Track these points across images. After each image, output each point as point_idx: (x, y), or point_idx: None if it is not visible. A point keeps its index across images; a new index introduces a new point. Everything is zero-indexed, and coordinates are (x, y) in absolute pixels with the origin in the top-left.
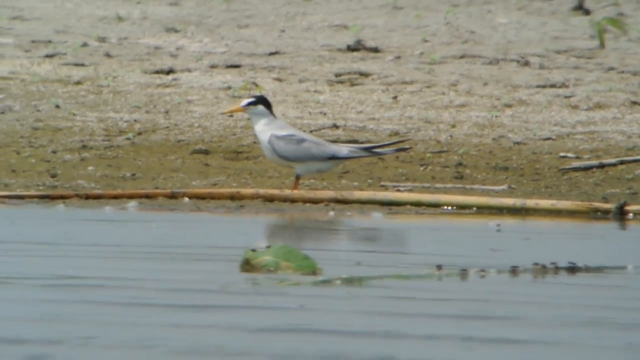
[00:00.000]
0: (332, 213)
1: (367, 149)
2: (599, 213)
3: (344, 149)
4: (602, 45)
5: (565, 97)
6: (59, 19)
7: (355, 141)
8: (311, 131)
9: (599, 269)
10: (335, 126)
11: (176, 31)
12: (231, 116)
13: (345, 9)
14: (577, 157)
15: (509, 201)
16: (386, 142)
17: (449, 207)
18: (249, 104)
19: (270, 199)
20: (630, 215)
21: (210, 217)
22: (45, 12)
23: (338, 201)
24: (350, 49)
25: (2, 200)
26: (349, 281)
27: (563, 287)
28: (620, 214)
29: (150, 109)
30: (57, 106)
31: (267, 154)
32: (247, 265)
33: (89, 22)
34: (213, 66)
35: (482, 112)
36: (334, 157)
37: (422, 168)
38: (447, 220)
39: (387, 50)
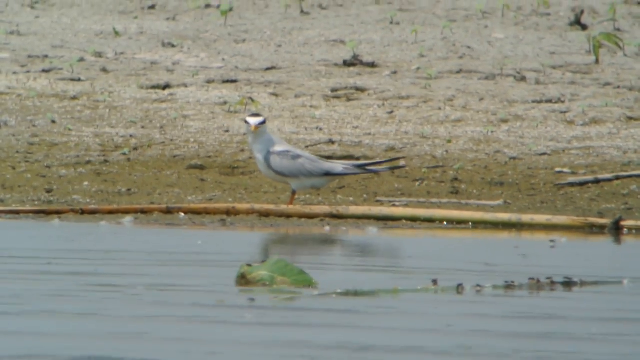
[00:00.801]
0: (327, 228)
1: (361, 166)
2: (594, 228)
3: (338, 166)
4: (597, 60)
5: (561, 112)
6: (56, 34)
7: (351, 156)
8: (307, 146)
9: (594, 284)
10: (331, 141)
11: (173, 46)
12: (227, 131)
13: (342, 24)
14: (573, 173)
15: (504, 216)
16: (381, 160)
17: (445, 222)
18: (261, 123)
19: (265, 214)
20: (626, 230)
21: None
22: (42, 27)
23: (334, 216)
24: (347, 64)
25: None
26: (345, 295)
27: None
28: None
29: (146, 124)
30: (53, 121)
31: (263, 170)
32: (243, 280)
33: (85, 37)
34: (209, 81)
35: (478, 127)
36: (328, 174)
37: (417, 183)
38: (441, 234)
39: (384, 66)
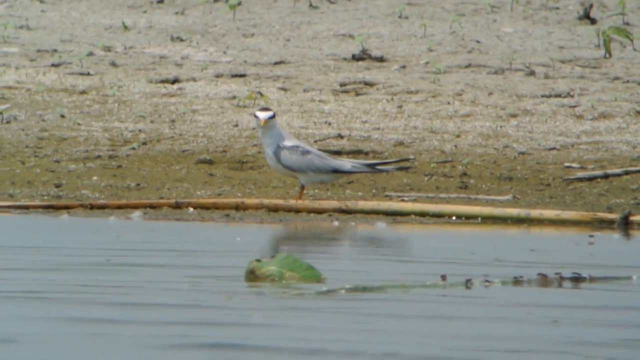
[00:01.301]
0: (336, 223)
1: (369, 165)
2: (603, 223)
3: (347, 164)
4: (608, 54)
5: (570, 106)
6: (65, 28)
7: (359, 151)
8: (315, 141)
9: (603, 279)
10: (340, 136)
11: (181, 40)
12: (236, 126)
13: (351, 18)
14: (582, 167)
15: (513, 211)
16: (390, 160)
17: (454, 218)
18: (270, 117)
19: (274, 209)
20: (635, 225)
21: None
22: (51, 22)
23: (342, 211)
24: (356, 58)
25: (6, 210)
26: (353, 291)
27: None
28: (625, 224)
29: (155, 118)
30: (62, 116)
31: (272, 164)
32: (252, 275)
33: (94, 31)
34: (218, 75)
35: (486, 122)
36: (336, 171)
37: (426, 178)
38: (451, 229)
39: (393, 60)
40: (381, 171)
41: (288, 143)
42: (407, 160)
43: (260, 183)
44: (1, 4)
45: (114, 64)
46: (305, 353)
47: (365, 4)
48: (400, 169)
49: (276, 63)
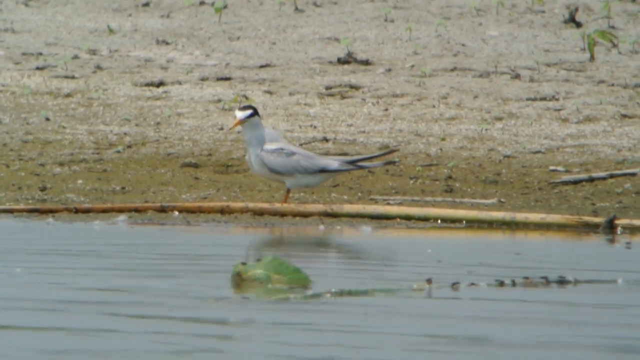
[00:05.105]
0: (322, 226)
1: (354, 162)
2: (588, 227)
3: (333, 163)
4: (592, 57)
5: (556, 110)
6: (50, 32)
7: (345, 154)
8: (301, 144)
9: (589, 282)
10: (326, 139)
11: (167, 43)
12: (221, 129)
13: (337, 22)
14: (567, 171)
15: (498, 215)
16: (376, 154)
17: (439, 221)
18: (248, 117)
19: (260, 213)
20: (620, 229)
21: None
22: (36, 25)
23: (328, 215)
24: (341, 61)
25: None
26: (339, 294)
27: None
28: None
29: (140, 121)
30: (47, 119)
31: (257, 168)
32: (238, 279)
33: (79, 34)
34: (204, 79)
35: (472, 125)
36: (323, 170)
37: (412, 181)
38: (438, 233)
39: (378, 63)
40: (367, 167)
41: (271, 146)
42: (393, 152)
43: (245, 187)
44: None
45: (99, 67)
46: None
47: (350, 8)
48: (388, 163)
49: (262, 66)
